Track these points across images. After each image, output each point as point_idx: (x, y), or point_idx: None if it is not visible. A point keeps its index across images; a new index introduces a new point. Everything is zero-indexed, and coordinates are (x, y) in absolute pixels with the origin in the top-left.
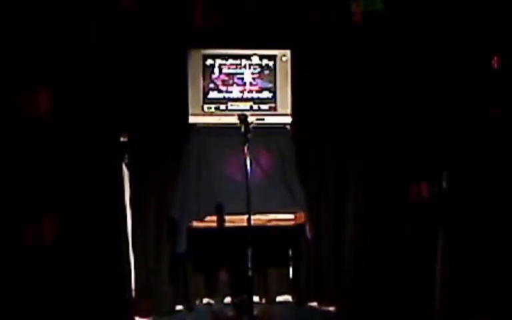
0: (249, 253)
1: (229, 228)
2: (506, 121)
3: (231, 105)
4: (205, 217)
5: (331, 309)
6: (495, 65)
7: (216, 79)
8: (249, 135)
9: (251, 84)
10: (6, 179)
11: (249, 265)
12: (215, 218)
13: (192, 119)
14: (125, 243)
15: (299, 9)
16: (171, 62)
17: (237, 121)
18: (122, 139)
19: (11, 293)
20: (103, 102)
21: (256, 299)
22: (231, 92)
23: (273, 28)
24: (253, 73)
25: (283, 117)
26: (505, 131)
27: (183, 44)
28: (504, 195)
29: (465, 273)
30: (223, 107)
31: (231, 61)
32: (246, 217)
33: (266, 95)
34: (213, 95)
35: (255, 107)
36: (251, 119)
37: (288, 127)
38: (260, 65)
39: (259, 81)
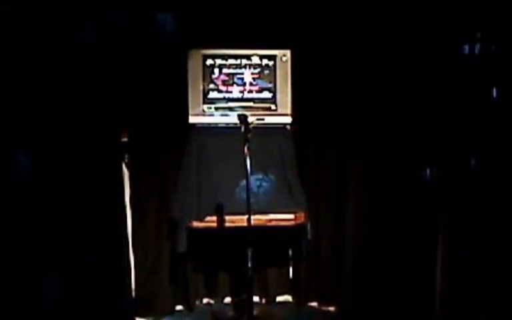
0: (249, 253)
1: (229, 228)
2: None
3: (231, 105)
4: (205, 217)
5: (331, 309)
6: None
7: (216, 79)
8: (249, 135)
9: (250, 84)
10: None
11: (249, 265)
12: (214, 218)
13: (192, 119)
14: (125, 242)
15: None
16: (171, 62)
17: (237, 121)
18: (122, 139)
19: (10, 292)
20: (103, 102)
21: (256, 299)
22: (231, 92)
23: (273, 28)
24: (252, 73)
25: (283, 117)
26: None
27: (183, 44)
28: (504, 195)
29: (464, 273)
30: (223, 106)
31: (231, 61)
32: (246, 217)
33: (266, 95)
34: (212, 95)
35: (255, 106)
36: (251, 119)
37: (288, 126)
38: (260, 65)
39: (258, 80)
